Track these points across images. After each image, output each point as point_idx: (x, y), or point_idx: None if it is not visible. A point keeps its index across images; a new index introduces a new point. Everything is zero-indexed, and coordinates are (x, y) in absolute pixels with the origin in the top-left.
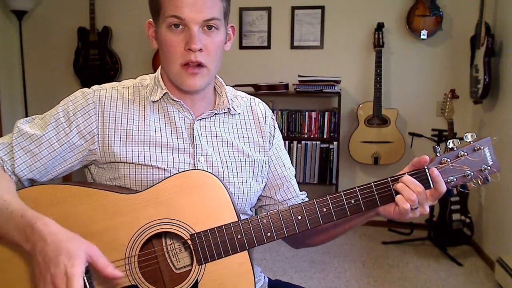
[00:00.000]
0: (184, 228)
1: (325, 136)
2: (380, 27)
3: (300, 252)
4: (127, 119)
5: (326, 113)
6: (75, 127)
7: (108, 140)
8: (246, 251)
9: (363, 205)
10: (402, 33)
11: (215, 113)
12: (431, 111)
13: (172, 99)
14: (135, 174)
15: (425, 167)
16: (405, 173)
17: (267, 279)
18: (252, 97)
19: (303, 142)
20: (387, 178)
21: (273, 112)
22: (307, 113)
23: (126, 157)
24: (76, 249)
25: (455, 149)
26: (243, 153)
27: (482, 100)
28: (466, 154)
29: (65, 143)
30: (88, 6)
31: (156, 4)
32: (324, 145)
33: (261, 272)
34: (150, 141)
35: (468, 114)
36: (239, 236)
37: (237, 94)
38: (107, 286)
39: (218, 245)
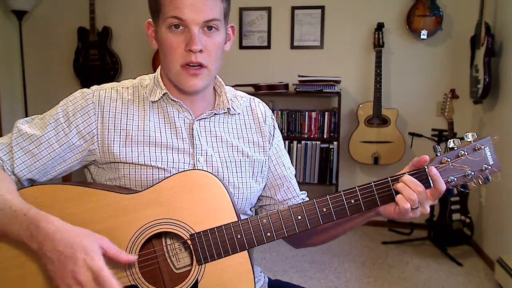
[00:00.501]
0: (184, 228)
1: (325, 136)
2: (380, 27)
3: (300, 252)
4: (127, 119)
5: (326, 113)
6: (75, 127)
7: (107, 141)
8: (246, 251)
9: (363, 205)
10: (402, 33)
11: (215, 113)
12: (431, 111)
13: (172, 99)
14: (135, 174)
15: (425, 167)
16: (405, 173)
17: (267, 279)
18: (252, 97)
19: (303, 142)
20: (387, 178)
21: (273, 112)
22: (307, 113)
23: (125, 157)
24: (90, 243)
25: (455, 148)
26: (242, 153)
27: (482, 100)
28: (466, 153)
29: (65, 143)
30: (88, 6)
31: (156, 5)
32: (324, 145)
33: (261, 272)
34: (149, 141)
35: (468, 114)
36: (239, 236)
37: (237, 94)
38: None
39: (218, 245)
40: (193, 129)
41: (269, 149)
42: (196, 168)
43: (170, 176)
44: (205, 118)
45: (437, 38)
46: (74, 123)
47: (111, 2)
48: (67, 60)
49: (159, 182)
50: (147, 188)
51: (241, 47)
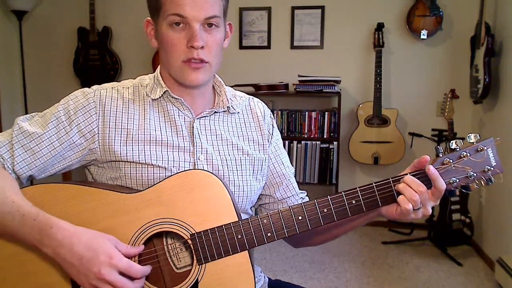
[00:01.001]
0: (184, 228)
1: (325, 136)
2: (380, 27)
3: (300, 252)
4: (127, 118)
5: (326, 113)
6: (76, 125)
7: (108, 139)
8: (246, 251)
9: (364, 205)
10: (402, 33)
11: (215, 112)
12: (431, 111)
13: (173, 97)
14: (136, 173)
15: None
16: (406, 174)
17: (267, 279)
18: (251, 96)
19: (303, 142)
20: (389, 179)
21: (273, 112)
22: (307, 113)
23: (126, 155)
24: (107, 244)
25: (457, 149)
26: (242, 151)
27: (482, 100)
28: (468, 155)
29: (65, 141)
30: (88, 6)
31: (156, 3)
32: (324, 145)
33: (261, 272)
34: (150, 140)
35: (468, 114)
36: (239, 236)
37: (236, 94)
38: None
39: (218, 245)
40: (193, 127)
41: (268, 147)
42: (196, 166)
43: (171, 175)
44: (205, 117)
45: (437, 38)
46: (75, 122)
47: (111, 2)
48: (67, 60)
49: (160, 181)
50: (148, 188)
51: (241, 47)
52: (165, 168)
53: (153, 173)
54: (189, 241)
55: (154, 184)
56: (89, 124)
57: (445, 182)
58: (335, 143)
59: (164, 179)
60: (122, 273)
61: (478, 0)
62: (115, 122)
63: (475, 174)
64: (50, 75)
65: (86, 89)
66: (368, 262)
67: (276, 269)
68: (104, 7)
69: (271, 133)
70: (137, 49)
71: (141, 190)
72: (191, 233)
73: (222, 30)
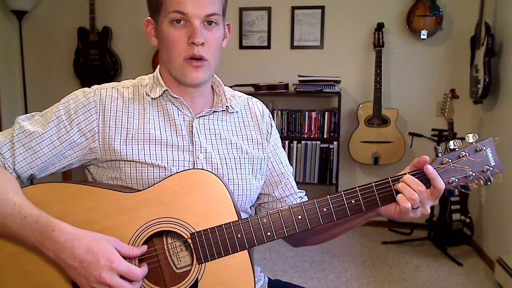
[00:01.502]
0: (184, 227)
1: (325, 136)
2: (380, 27)
3: (300, 252)
4: (127, 117)
5: (326, 113)
6: (76, 125)
7: (108, 138)
8: (246, 250)
9: (363, 205)
10: (402, 33)
11: (214, 111)
12: (431, 111)
13: (172, 96)
14: (136, 172)
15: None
16: (405, 173)
17: (267, 279)
18: (250, 96)
19: (303, 142)
20: (388, 178)
21: (273, 112)
22: (307, 113)
23: (126, 154)
24: (107, 247)
25: (456, 149)
26: (241, 150)
27: (482, 100)
28: (467, 154)
29: (66, 140)
30: (88, 6)
31: (156, 1)
32: (324, 145)
33: (261, 272)
34: (149, 139)
35: (468, 114)
36: (239, 236)
37: (235, 93)
38: None
39: (218, 244)
40: (192, 126)
41: (267, 146)
42: (196, 165)
43: (171, 175)
44: (204, 116)
45: (437, 38)
46: (75, 121)
47: (111, 2)
48: (67, 60)
49: (160, 181)
50: (148, 187)
51: (241, 47)
52: (164, 167)
53: (153, 172)
54: (189, 240)
55: (154, 184)
56: (90, 123)
57: (444, 182)
58: (335, 143)
59: (164, 178)
60: (122, 276)
61: (478, 0)
62: (115, 122)
63: (474, 174)
64: (50, 75)
65: (86, 88)
66: (368, 262)
67: (276, 269)
68: (104, 7)
69: (269, 132)
70: (137, 49)
71: (141, 190)
72: (191, 232)
73: (221, 29)
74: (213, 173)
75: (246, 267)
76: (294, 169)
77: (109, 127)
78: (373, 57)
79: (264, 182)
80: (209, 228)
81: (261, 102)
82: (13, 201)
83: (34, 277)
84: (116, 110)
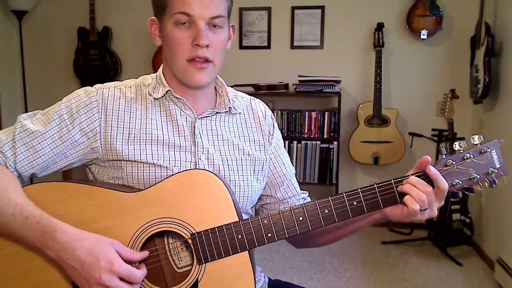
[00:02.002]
0: (185, 227)
1: (325, 136)
2: (380, 27)
3: (300, 252)
4: (130, 117)
5: (326, 113)
6: (78, 124)
7: (110, 138)
8: (247, 251)
9: (365, 207)
10: (402, 33)
11: (217, 112)
12: (431, 111)
13: (175, 97)
14: (137, 172)
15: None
16: (409, 175)
17: (267, 279)
18: (252, 97)
19: (303, 142)
20: (391, 180)
21: (273, 112)
22: (307, 113)
23: (128, 154)
24: (108, 249)
25: (461, 151)
26: (243, 151)
27: (482, 100)
28: (472, 156)
29: (67, 140)
30: (88, 6)
31: (161, 1)
32: (324, 145)
33: (261, 272)
34: (152, 139)
35: (468, 114)
36: (239, 236)
37: (237, 94)
38: None
39: (218, 244)
40: (195, 127)
41: (269, 147)
42: (197, 166)
43: (172, 175)
44: (207, 117)
45: (437, 38)
46: (77, 120)
47: (111, 2)
48: (67, 60)
49: (161, 180)
50: (149, 187)
51: (241, 47)
52: (166, 167)
53: (154, 172)
54: (190, 241)
55: (155, 184)
56: (91, 122)
57: (448, 184)
58: (335, 143)
59: (165, 178)
60: (121, 278)
61: (478, 0)
62: (117, 121)
63: (478, 176)
64: (50, 75)
65: (88, 87)
66: (368, 262)
67: (276, 269)
68: (104, 7)
69: (271, 134)
70: (137, 49)
71: (142, 189)
72: (191, 232)
73: (226, 31)
74: (215, 174)
75: (247, 268)
76: (294, 169)
77: (111, 126)
78: (373, 57)
79: (266, 183)
80: (210, 229)
81: (264, 103)
82: (15, 201)
83: (34, 276)
84: (118, 110)
